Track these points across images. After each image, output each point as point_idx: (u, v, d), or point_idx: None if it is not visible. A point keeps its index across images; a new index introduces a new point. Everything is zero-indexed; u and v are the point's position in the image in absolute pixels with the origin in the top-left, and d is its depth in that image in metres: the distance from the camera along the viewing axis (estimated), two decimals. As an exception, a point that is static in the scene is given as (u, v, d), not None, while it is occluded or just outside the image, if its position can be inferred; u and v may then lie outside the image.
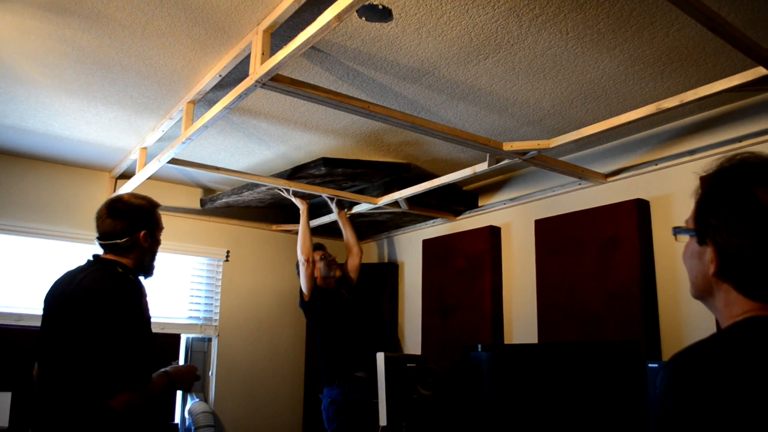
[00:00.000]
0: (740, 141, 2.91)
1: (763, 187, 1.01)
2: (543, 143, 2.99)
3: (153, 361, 2.28)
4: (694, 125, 3.12)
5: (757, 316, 1.00)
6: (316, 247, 4.17)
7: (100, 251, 2.35)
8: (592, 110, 3.06)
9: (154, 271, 2.44)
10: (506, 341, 3.86)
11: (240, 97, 2.48)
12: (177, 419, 4.35)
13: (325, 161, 3.71)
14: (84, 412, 2.07)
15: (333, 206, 4.19)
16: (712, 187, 1.07)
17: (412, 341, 4.61)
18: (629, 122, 2.68)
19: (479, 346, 3.49)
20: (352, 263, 4.31)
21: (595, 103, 2.98)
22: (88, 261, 2.31)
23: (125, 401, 2.03)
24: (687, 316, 2.98)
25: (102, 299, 2.12)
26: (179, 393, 4.33)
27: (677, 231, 1.14)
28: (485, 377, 3.37)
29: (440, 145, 3.56)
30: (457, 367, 3.52)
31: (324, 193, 4.01)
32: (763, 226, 0.99)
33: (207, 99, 2.99)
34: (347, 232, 4.30)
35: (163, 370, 2.27)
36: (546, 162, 3.22)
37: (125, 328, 2.08)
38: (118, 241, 2.26)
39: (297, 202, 4.12)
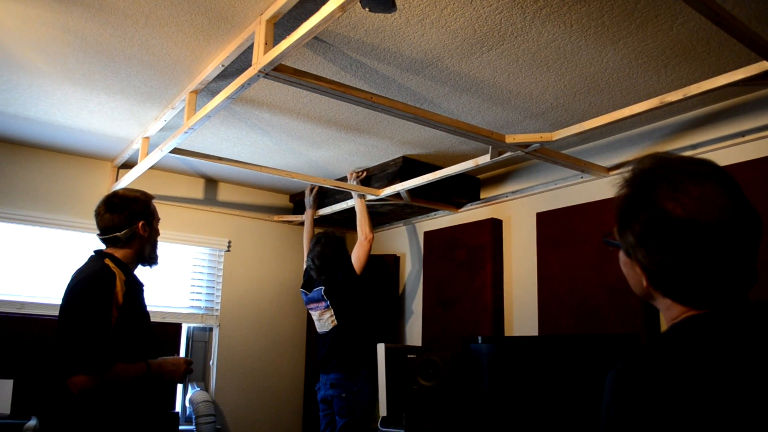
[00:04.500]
0: (743, 135, 2.91)
1: (669, 199, 1.00)
2: (545, 136, 2.98)
3: (144, 350, 2.34)
4: (698, 119, 3.11)
5: (693, 316, 1.03)
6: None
7: (100, 242, 2.42)
8: (595, 103, 3.05)
9: (158, 260, 2.52)
10: (507, 333, 3.87)
11: (243, 87, 2.47)
12: (178, 408, 4.37)
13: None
14: (63, 396, 2.17)
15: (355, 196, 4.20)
16: (624, 199, 1.08)
17: (413, 332, 4.62)
18: (632, 116, 2.68)
19: (479, 337, 3.50)
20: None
21: (599, 96, 2.97)
22: (90, 256, 2.38)
23: (79, 384, 2.11)
24: (687, 310, 2.99)
25: (72, 287, 2.25)
26: (180, 383, 4.35)
27: (607, 242, 1.15)
28: (485, 369, 3.38)
29: (442, 137, 3.56)
30: (458, 359, 3.53)
31: (328, 185, 4.02)
32: (674, 240, 0.99)
33: (210, 89, 2.99)
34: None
35: (147, 360, 2.32)
36: (548, 155, 3.22)
37: (87, 313, 2.16)
38: (118, 234, 2.35)
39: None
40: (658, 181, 1.03)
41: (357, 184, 4.24)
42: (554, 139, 2.96)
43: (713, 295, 1.01)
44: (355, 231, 5.23)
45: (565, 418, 2.97)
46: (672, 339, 1.01)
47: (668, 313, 1.07)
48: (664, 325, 3.04)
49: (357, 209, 4.12)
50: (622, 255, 1.12)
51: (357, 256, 3.95)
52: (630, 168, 1.09)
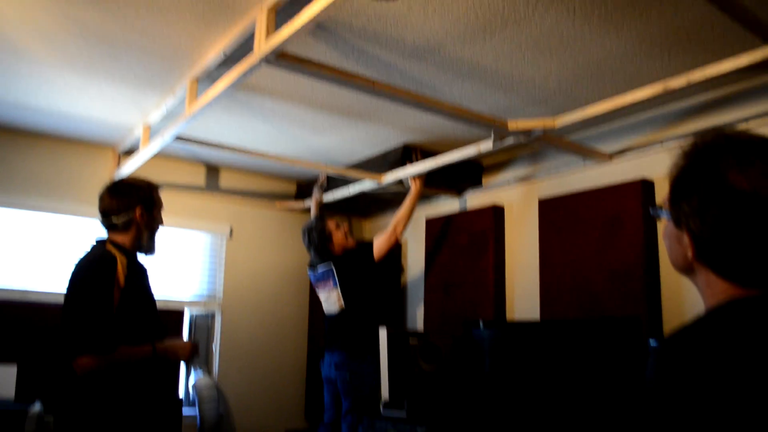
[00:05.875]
0: (747, 121, 2.90)
1: (734, 170, 0.98)
2: (548, 122, 2.98)
3: (150, 333, 2.36)
4: (701, 106, 3.10)
5: (740, 299, 1.00)
6: (329, 216, 4.11)
7: (102, 230, 2.45)
8: (598, 89, 3.04)
9: (155, 250, 2.53)
10: (508, 318, 3.89)
11: (245, 74, 2.47)
12: (181, 393, 4.40)
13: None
14: (68, 379, 2.20)
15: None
16: (684, 169, 1.06)
17: (415, 317, 4.65)
18: (635, 102, 2.67)
19: (481, 322, 3.51)
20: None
21: (602, 82, 2.96)
22: (92, 245, 2.43)
23: (84, 365, 2.15)
24: (689, 295, 3.00)
25: (75, 273, 2.30)
26: (183, 368, 4.38)
27: (655, 212, 1.14)
28: (486, 353, 3.40)
29: (445, 124, 3.55)
30: (459, 343, 3.55)
31: (326, 170, 4.02)
32: (735, 211, 0.98)
33: (211, 76, 2.97)
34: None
35: (153, 343, 2.35)
36: (551, 141, 3.21)
37: (89, 296, 2.20)
38: (114, 217, 2.37)
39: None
40: (723, 153, 1.01)
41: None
42: (557, 125, 2.95)
43: (764, 274, 0.99)
44: (358, 216, 5.28)
45: (566, 402, 2.99)
46: (723, 320, 0.99)
47: (709, 289, 1.04)
48: (673, 310, 3.05)
49: (405, 205, 3.99)
50: (668, 226, 1.10)
51: (379, 244, 3.91)
52: (690, 141, 1.07)
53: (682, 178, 1.06)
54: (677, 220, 1.06)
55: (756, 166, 0.98)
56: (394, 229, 3.92)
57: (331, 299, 4.01)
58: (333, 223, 4.05)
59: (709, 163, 1.02)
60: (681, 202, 1.05)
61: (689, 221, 1.03)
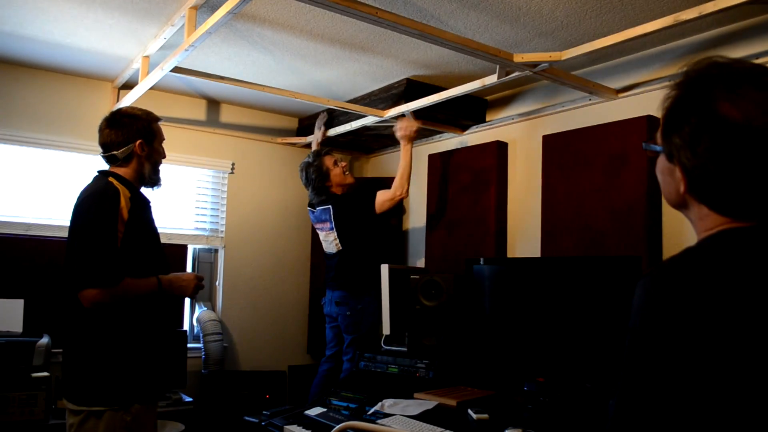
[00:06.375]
0: (757, 57, 2.83)
1: (725, 101, 0.96)
2: (555, 55, 2.91)
3: (154, 266, 2.38)
4: (712, 40, 3.02)
5: (730, 229, 1.00)
6: (327, 153, 4.07)
7: (103, 163, 2.44)
8: (607, 22, 2.96)
9: (161, 182, 2.51)
10: (509, 256, 3.91)
11: (244, 0, 2.40)
12: (186, 327, 4.48)
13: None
14: (74, 313, 2.23)
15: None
16: (675, 101, 1.03)
17: (417, 255, 4.67)
18: (645, 34, 2.60)
19: (482, 259, 3.53)
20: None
21: (611, 14, 2.88)
22: (94, 176, 2.41)
23: (90, 297, 2.16)
24: (690, 235, 2.99)
25: (78, 205, 2.29)
26: (187, 301, 4.45)
27: (647, 147, 1.11)
28: (487, 289, 3.43)
29: (448, 57, 3.48)
30: (460, 280, 3.58)
31: (328, 104, 3.97)
32: (726, 143, 0.96)
33: (210, 4, 2.90)
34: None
35: (158, 276, 2.36)
36: (557, 75, 3.15)
37: (94, 229, 2.19)
38: (116, 151, 2.35)
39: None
40: (715, 83, 0.98)
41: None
42: (563, 58, 2.89)
43: (757, 206, 0.98)
44: (360, 153, 5.25)
45: (564, 338, 3.03)
46: (712, 249, 0.98)
47: (701, 223, 1.04)
48: (674, 249, 3.06)
49: (402, 161, 3.91)
50: (661, 160, 1.08)
51: (382, 201, 3.87)
52: (682, 71, 1.04)
53: (673, 109, 1.04)
54: (669, 154, 1.04)
55: (748, 96, 0.95)
56: (400, 190, 3.85)
57: (329, 240, 4.03)
58: (331, 159, 4.01)
59: (700, 93, 0.99)
60: (672, 134, 1.03)
61: (681, 154, 1.01)
